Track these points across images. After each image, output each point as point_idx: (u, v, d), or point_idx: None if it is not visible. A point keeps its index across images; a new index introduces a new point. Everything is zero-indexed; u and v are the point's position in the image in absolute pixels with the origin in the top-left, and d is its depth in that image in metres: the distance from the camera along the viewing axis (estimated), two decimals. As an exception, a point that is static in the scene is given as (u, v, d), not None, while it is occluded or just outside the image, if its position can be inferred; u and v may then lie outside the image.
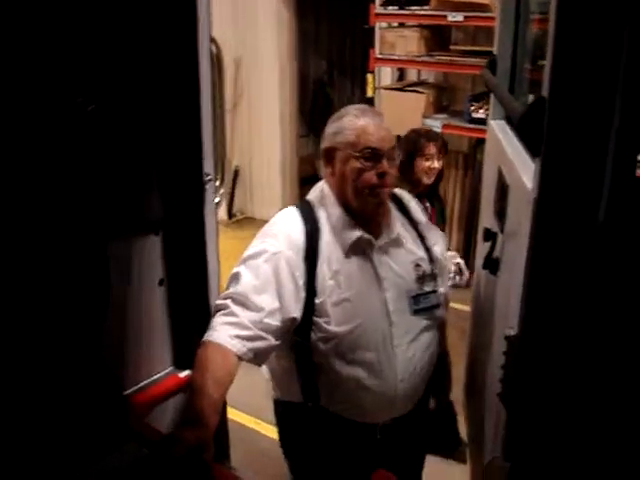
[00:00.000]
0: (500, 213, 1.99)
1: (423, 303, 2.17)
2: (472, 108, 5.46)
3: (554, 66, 1.26)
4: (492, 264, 2.03)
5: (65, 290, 1.60)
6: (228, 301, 1.97)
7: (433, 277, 2.22)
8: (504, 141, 2.07)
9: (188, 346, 2.32)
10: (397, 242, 2.17)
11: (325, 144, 2.13)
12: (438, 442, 3.97)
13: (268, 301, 1.98)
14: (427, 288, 2.19)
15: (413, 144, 3.56)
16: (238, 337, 1.91)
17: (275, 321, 1.98)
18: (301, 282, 2.02)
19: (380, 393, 2.13)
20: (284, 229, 2.09)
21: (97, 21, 1.75)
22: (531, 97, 2.17)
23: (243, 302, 1.96)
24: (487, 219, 2.31)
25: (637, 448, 1.33)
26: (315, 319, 2.04)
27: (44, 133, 1.57)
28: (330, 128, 2.12)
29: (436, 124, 5.64)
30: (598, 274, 1.27)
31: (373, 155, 2.04)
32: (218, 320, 1.95)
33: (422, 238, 2.25)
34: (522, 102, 2.05)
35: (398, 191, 2.32)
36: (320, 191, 2.19)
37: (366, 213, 2.11)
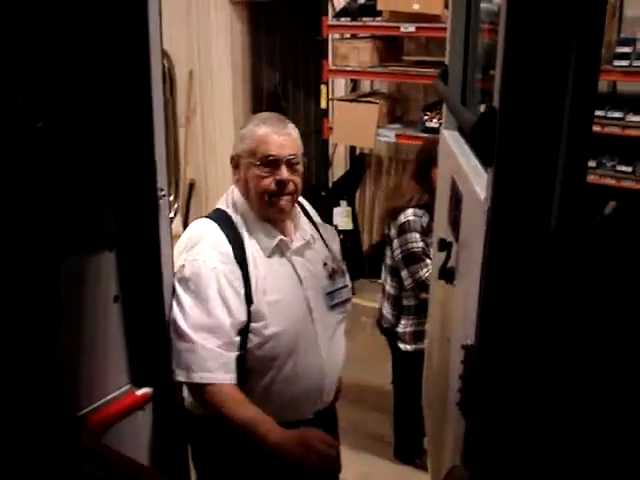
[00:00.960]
0: (454, 223, 2.00)
1: (337, 298, 2.30)
2: (426, 118, 5.52)
3: (504, 76, 1.27)
4: (447, 274, 2.05)
5: (14, 310, 1.57)
6: (200, 342, 2.07)
7: (342, 273, 2.36)
8: (457, 151, 2.09)
9: (145, 363, 2.29)
10: (309, 243, 2.29)
11: (234, 151, 2.24)
12: (402, 449, 4.01)
13: (224, 320, 2.07)
14: (339, 284, 2.33)
15: (428, 154, 3.54)
16: (229, 372, 2.08)
17: (234, 335, 2.09)
18: (242, 292, 2.10)
19: (311, 388, 2.24)
20: (209, 241, 2.16)
21: (43, 36, 1.72)
22: (482, 107, 2.19)
23: (214, 334, 2.07)
24: (441, 229, 2.32)
25: (596, 453, 1.34)
26: (252, 325, 2.11)
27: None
28: (238, 137, 2.24)
29: (390, 134, 5.68)
30: (552, 281, 1.28)
31: (271, 162, 2.13)
32: (207, 360, 2.06)
33: (323, 239, 2.38)
34: (474, 112, 2.07)
35: (302, 201, 2.44)
36: (231, 198, 2.27)
37: (270, 219, 2.20)
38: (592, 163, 4.70)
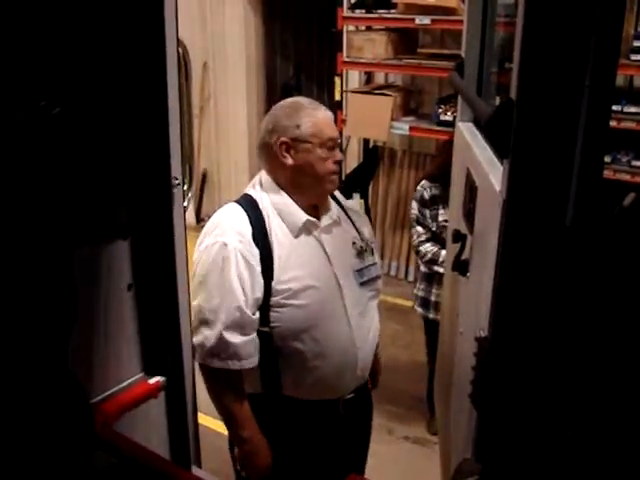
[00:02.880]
0: (469, 215, 1.99)
1: (367, 275, 2.36)
2: (440, 110, 5.50)
3: (522, 68, 1.26)
4: (461, 266, 2.04)
5: (29, 297, 1.58)
6: (224, 333, 2.14)
7: (370, 251, 2.42)
8: (472, 143, 2.08)
9: (158, 351, 2.30)
10: (337, 222, 2.36)
11: (285, 136, 2.22)
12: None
13: (240, 300, 2.13)
14: (368, 262, 2.39)
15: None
16: (241, 358, 2.16)
17: (252, 313, 2.16)
18: (259, 269, 2.16)
19: (342, 362, 2.28)
20: (230, 223, 2.21)
21: (61, 22, 1.73)
22: (498, 100, 2.18)
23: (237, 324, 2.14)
24: (456, 221, 2.32)
25: (607, 445, 1.34)
26: (274, 299, 2.18)
27: (5, 137, 1.54)
28: (285, 120, 2.23)
29: (404, 127, 5.67)
30: (567, 275, 1.28)
31: (331, 145, 2.24)
32: (220, 348, 2.14)
33: (351, 220, 2.45)
34: (489, 104, 2.06)
35: None
36: (259, 182, 2.32)
37: (317, 199, 2.30)
38: (607, 158, 4.66)
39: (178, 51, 2.08)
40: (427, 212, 3.75)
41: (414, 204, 3.82)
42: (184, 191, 2.28)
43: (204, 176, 7.77)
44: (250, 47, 7.31)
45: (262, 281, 2.16)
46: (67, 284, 1.69)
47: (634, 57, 4.40)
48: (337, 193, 2.52)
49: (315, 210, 2.31)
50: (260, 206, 2.25)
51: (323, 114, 2.25)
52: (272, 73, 7.77)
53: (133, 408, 2.25)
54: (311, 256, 2.25)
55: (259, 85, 7.56)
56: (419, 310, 3.99)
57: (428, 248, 3.74)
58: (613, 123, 4.45)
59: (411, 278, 6.44)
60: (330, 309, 2.24)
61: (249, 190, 2.34)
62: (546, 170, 1.26)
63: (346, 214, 2.45)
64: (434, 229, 3.72)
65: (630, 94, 4.79)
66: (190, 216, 7.22)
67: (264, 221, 2.22)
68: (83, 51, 1.81)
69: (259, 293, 2.16)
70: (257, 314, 2.17)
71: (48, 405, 1.66)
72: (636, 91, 4.91)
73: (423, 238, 3.78)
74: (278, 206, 2.25)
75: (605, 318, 1.29)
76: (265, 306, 2.18)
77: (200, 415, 2.59)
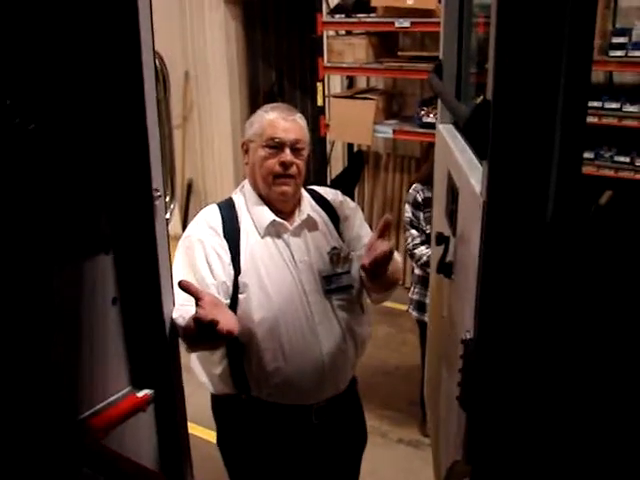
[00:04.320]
0: (451, 216, 1.99)
1: (335, 283, 2.35)
2: (422, 113, 5.51)
3: (497, 68, 1.27)
4: (446, 268, 2.04)
5: (7, 317, 1.56)
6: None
7: (347, 260, 2.40)
8: (452, 145, 2.08)
9: (145, 365, 2.28)
10: (309, 225, 2.37)
11: (244, 137, 2.38)
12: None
13: (208, 280, 2.21)
14: (340, 270, 2.37)
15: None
16: None
17: (220, 297, 2.17)
18: (227, 259, 2.23)
19: (306, 366, 2.28)
20: (202, 218, 2.33)
21: (33, 37, 1.71)
22: (478, 101, 2.18)
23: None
24: (439, 223, 2.32)
25: (595, 445, 1.34)
26: (240, 296, 2.23)
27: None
28: (247, 123, 2.38)
29: (387, 130, 5.68)
30: (548, 273, 1.28)
31: (276, 145, 2.26)
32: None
33: (337, 226, 2.43)
34: (469, 106, 2.06)
35: (321, 189, 2.54)
36: (241, 186, 2.42)
37: (274, 200, 2.32)
38: (590, 154, 4.70)
39: (155, 62, 2.07)
40: (421, 215, 3.77)
41: (407, 207, 3.83)
42: (166, 203, 2.27)
43: (189, 186, 7.76)
44: (231, 54, 7.32)
45: (232, 271, 2.22)
46: (45, 303, 1.67)
47: (613, 53, 4.43)
48: (330, 196, 2.52)
49: (287, 212, 2.35)
50: (236, 206, 2.34)
51: (273, 115, 2.30)
52: (254, 80, 7.78)
53: (122, 422, 2.23)
54: (277, 257, 2.29)
55: (242, 92, 7.57)
56: (414, 314, 4.00)
57: (423, 251, 3.74)
58: (594, 119, 4.48)
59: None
60: (293, 312, 2.26)
61: (232, 194, 2.42)
62: (525, 169, 1.27)
63: (332, 219, 2.44)
64: (428, 232, 3.69)
65: (610, 90, 4.81)
66: (176, 226, 7.21)
67: (237, 220, 2.29)
68: (56, 66, 1.80)
69: (228, 278, 2.22)
70: (227, 302, 2.21)
71: (32, 424, 1.65)
72: (616, 87, 4.94)
73: (418, 241, 3.79)
74: (248, 204, 2.33)
75: (587, 314, 1.29)
76: (234, 302, 2.23)
77: (191, 425, 2.57)
